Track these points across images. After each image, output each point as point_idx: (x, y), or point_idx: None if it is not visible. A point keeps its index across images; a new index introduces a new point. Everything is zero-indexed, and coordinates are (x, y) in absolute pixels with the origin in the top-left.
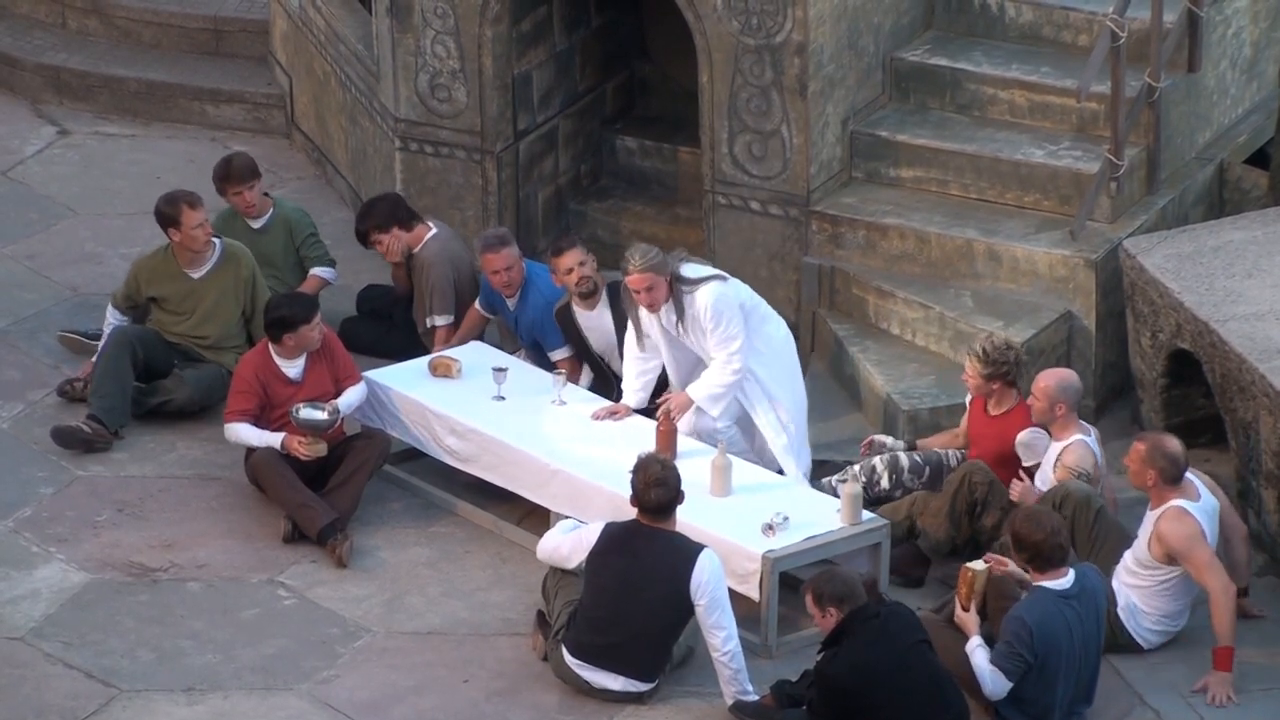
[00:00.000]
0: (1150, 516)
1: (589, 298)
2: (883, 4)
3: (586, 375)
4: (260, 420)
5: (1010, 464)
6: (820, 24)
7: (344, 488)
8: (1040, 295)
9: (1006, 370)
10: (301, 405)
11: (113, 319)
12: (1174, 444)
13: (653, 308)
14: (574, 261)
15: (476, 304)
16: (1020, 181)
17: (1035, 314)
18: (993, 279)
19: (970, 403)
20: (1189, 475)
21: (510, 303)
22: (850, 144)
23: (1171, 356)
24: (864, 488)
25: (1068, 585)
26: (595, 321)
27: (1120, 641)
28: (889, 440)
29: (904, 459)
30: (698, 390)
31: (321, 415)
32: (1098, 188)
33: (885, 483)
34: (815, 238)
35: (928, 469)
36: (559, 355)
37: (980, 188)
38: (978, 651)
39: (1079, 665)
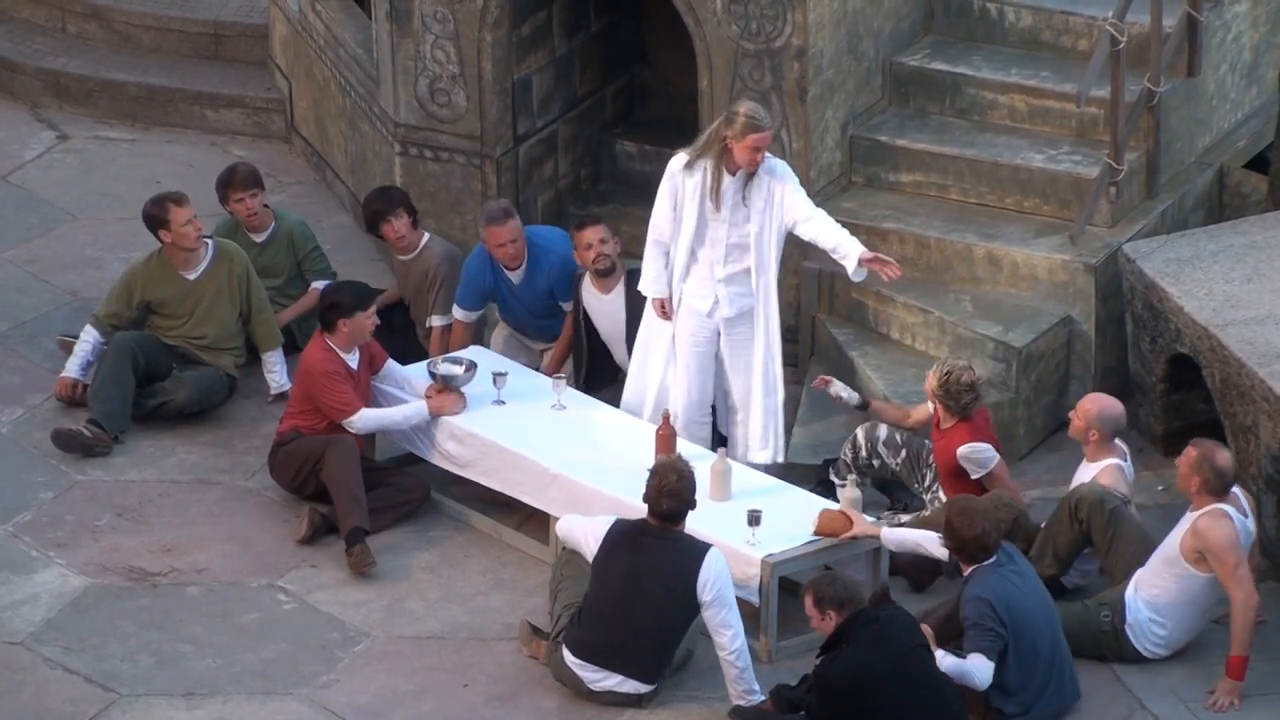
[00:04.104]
0: (1189, 516)
1: (606, 277)
2: (882, 8)
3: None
4: (317, 415)
5: (955, 475)
6: (820, 29)
7: (376, 515)
8: (1040, 300)
9: (950, 405)
10: (438, 360)
11: (89, 339)
12: (1225, 457)
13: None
14: (595, 238)
15: (456, 313)
16: (1020, 186)
17: (1035, 318)
18: (992, 283)
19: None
20: (1237, 492)
21: (515, 276)
22: (850, 148)
23: (1171, 361)
24: (851, 455)
25: (996, 557)
26: (608, 305)
27: (1125, 654)
28: (842, 390)
29: (882, 430)
30: (851, 244)
31: (459, 370)
32: (1097, 192)
33: (864, 451)
34: None
35: (905, 451)
36: (568, 307)
37: (980, 192)
38: (946, 658)
39: (1048, 632)
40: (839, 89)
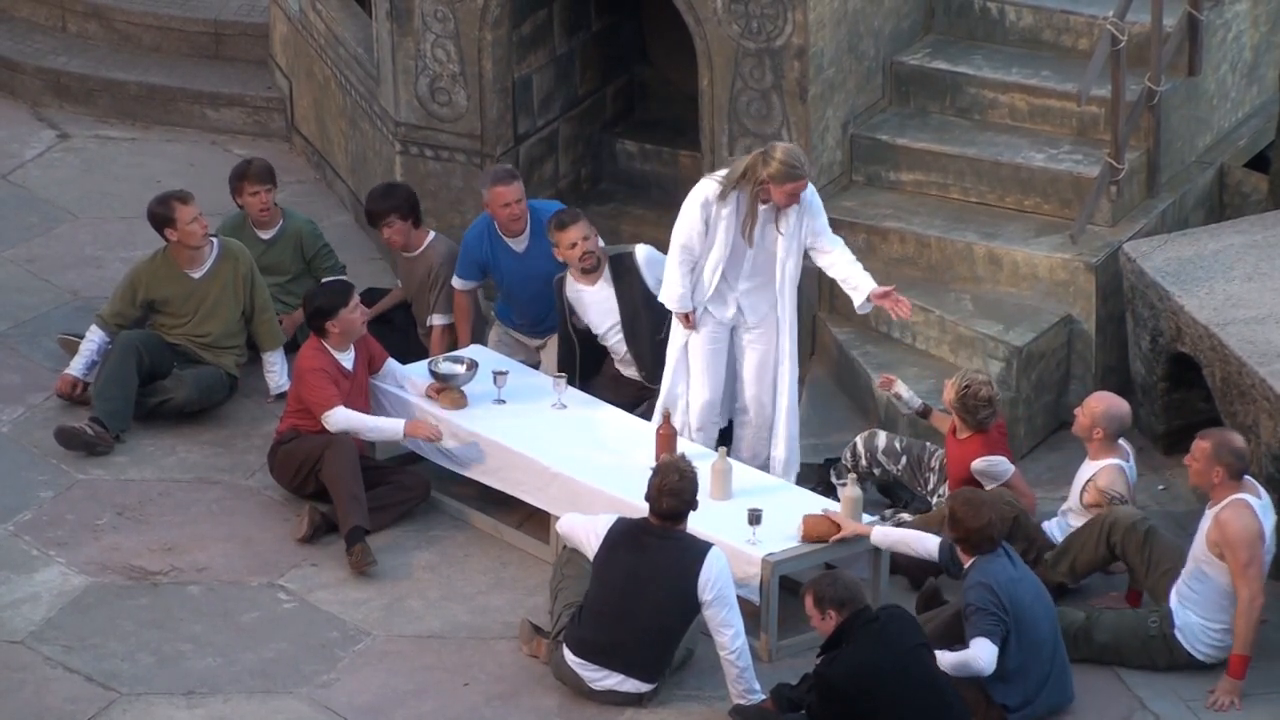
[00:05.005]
0: (1210, 512)
1: (592, 273)
2: (883, 8)
3: (551, 350)
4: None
5: (968, 484)
6: (820, 28)
7: (376, 513)
8: (1040, 299)
9: (966, 418)
10: (439, 358)
11: (95, 338)
12: (1239, 439)
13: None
14: (578, 236)
15: (457, 284)
16: (1020, 185)
17: (1035, 318)
18: (993, 283)
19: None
20: (1249, 478)
21: (517, 244)
22: (850, 148)
23: (1172, 360)
24: (851, 463)
25: (997, 551)
26: (595, 296)
27: (1178, 659)
28: (904, 390)
29: (881, 439)
30: (863, 279)
31: (460, 369)
32: (1098, 191)
33: (863, 461)
34: None
35: (905, 458)
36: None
37: (980, 191)
38: (947, 655)
39: (1047, 624)
40: (839, 88)
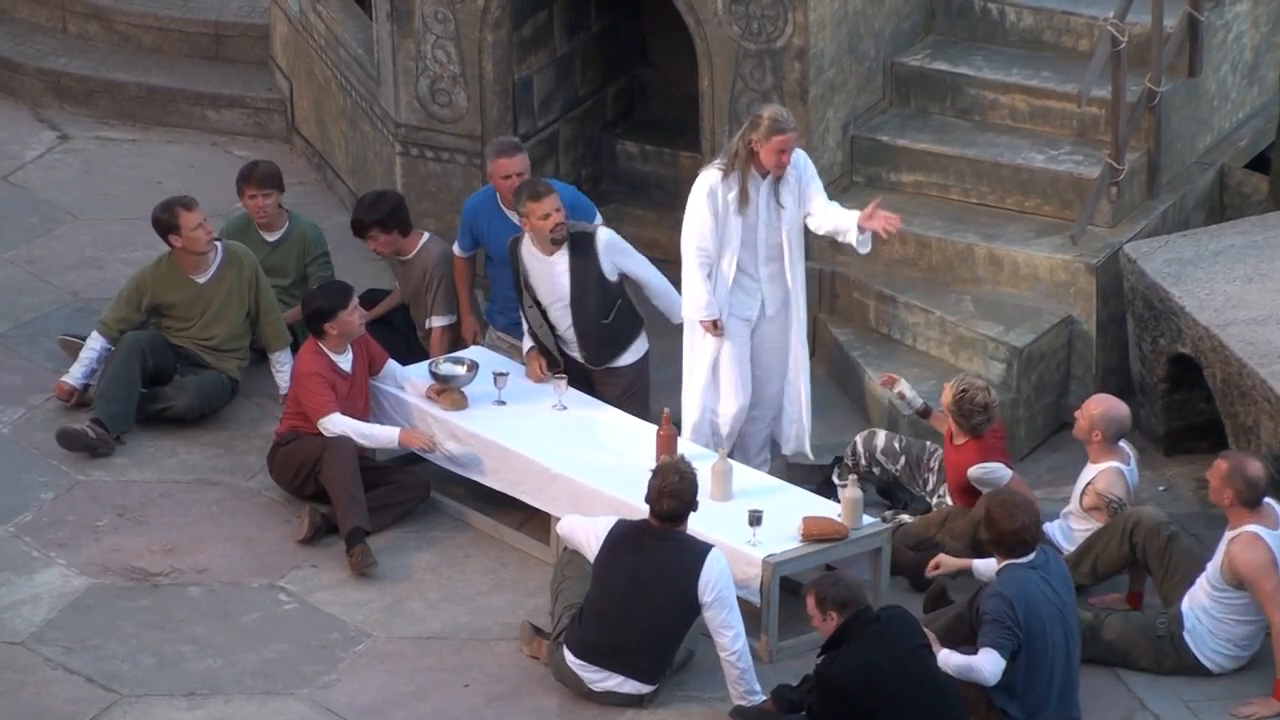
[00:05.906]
0: (1226, 538)
1: (558, 244)
2: (883, 9)
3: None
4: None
5: (965, 490)
6: (821, 29)
7: (376, 514)
8: (1041, 300)
9: (960, 423)
10: (439, 360)
11: (95, 346)
12: (1256, 467)
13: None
14: (552, 207)
15: (457, 250)
16: (1021, 186)
17: (1036, 319)
18: (993, 283)
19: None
20: (1270, 501)
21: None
22: (851, 149)
23: (1172, 361)
24: (852, 463)
25: (1033, 557)
26: (550, 269)
27: (1185, 662)
28: (907, 389)
29: (880, 439)
30: (848, 217)
31: (460, 370)
32: (1098, 192)
33: (863, 460)
34: (816, 242)
35: (904, 458)
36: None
37: (981, 192)
38: (952, 656)
39: (1064, 640)
40: (840, 89)
